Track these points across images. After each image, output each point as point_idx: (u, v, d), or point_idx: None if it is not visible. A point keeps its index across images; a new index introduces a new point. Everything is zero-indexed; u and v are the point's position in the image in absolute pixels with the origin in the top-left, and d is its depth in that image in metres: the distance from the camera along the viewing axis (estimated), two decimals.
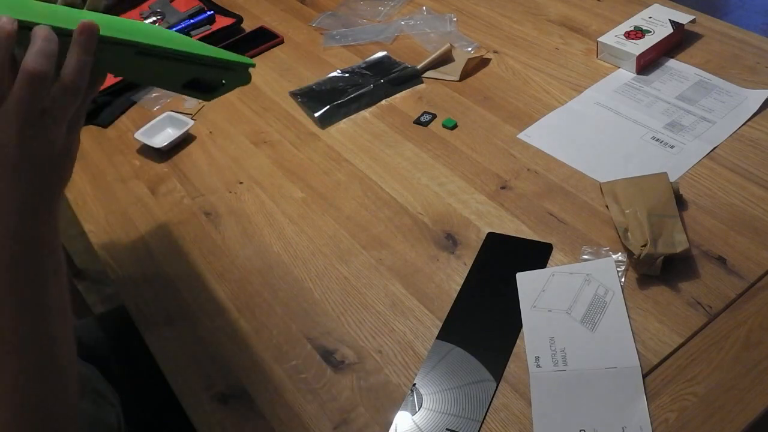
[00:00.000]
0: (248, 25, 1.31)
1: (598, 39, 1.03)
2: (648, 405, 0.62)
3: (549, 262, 0.77)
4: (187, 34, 1.28)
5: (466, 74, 1.07)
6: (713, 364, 0.64)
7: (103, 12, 0.65)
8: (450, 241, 0.81)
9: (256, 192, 0.94)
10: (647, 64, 1.01)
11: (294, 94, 1.11)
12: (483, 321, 0.72)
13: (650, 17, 1.05)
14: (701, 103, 0.93)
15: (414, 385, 0.68)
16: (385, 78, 1.08)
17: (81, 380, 0.77)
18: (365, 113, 1.04)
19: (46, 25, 0.52)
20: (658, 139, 0.89)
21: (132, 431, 0.81)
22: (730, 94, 0.94)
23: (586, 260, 0.75)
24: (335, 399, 0.69)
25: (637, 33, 1.02)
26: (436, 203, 0.87)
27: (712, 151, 0.86)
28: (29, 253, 0.52)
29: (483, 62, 1.09)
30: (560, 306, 0.71)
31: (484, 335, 0.71)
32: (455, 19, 1.21)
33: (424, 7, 1.25)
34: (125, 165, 1.04)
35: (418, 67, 1.09)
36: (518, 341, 0.70)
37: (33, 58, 0.49)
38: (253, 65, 0.69)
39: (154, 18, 1.34)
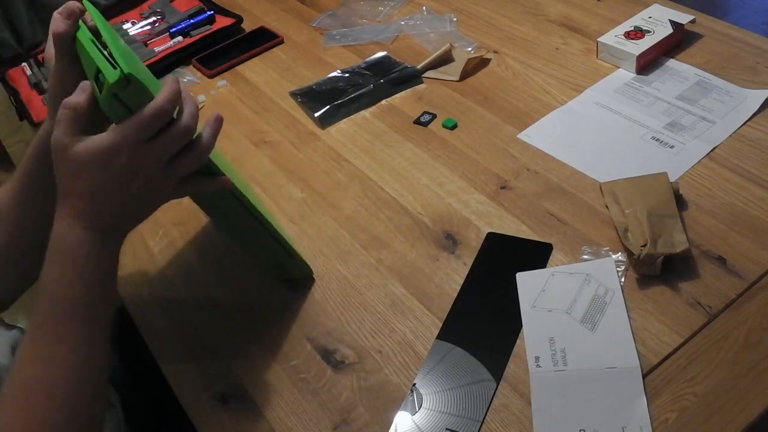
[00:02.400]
0: (248, 25, 1.31)
1: (598, 39, 1.03)
2: (648, 405, 0.62)
3: (549, 262, 0.77)
4: (187, 34, 1.28)
5: (466, 74, 1.07)
6: (713, 364, 0.64)
7: (101, 12, 0.68)
8: (450, 241, 0.81)
9: (257, 192, 0.94)
10: (647, 64, 1.01)
11: (294, 94, 1.11)
12: (483, 321, 0.72)
13: (650, 17, 1.05)
14: (701, 103, 0.93)
15: (414, 385, 0.68)
16: (385, 78, 1.08)
17: None
18: (365, 113, 1.04)
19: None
20: (658, 139, 0.89)
21: (132, 431, 0.81)
22: (730, 94, 0.94)
23: (586, 260, 0.75)
24: (335, 399, 0.69)
25: (637, 33, 1.02)
26: (436, 203, 0.87)
27: (712, 151, 0.86)
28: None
29: (483, 62, 1.09)
30: (560, 306, 0.71)
31: (484, 335, 0.71)
32: (455, 19, 1.21)
33: (424, 7, 1.25)
34: None
35: (418, 67, 1.09)
36: (518, 341, 0.70)
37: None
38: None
39: (154, 18, 1.34)
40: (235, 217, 0.73)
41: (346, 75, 1.12)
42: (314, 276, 0.81)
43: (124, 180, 0.58)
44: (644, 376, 0.64)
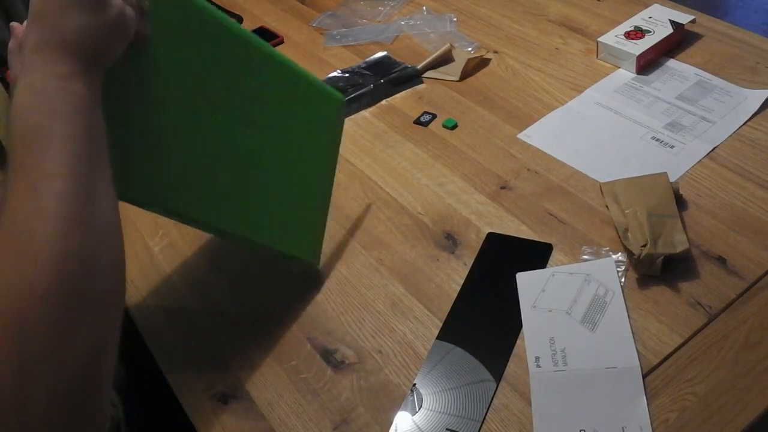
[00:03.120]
0: (248, 25, 1.31)
1: (598, 39, 1.03)
2: (648, 405, 0.62)
3: (549, 262, 0.77)
4: None
5: (466, 74, 1.07)
6: (713, 364, 0.64)
7: None
8: (450, 241, 0.81)
9: None
10: (647, 64, 1.01)
11: None
12: (483, 321, 0.72)
13: (650, 17, 1.05)
14: (701, 103, 0.93)
15: (414, 385, 0.68)
16: (385, 78, 1.08)
17: None
18: (365, 113, 1.04)
19: None
20: (658, 139, 0.89)
21: (132, 431, 0.81)
22: (730, 94, 0.94)
23: (586, 260, 0.75)
24: (335, 399, 0.69)
25: (637, 33, 1.02)
26: (436, 203, 0.87)
27: (712, 151, 0.86)
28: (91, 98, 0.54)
29: (483, 62, 1.09)
30: (560, 306, 0.71)
31: (484, 335, 0.71)
32: (455, 19, 1.21)
33: (424, 7, 1.25)
34: None
35: (418, 67, 1.09)
36: (518, 341, 0.70)
37: None
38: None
39: None
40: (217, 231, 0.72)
41: (346, 75, 1.12)
42: (317, 270, 0.81)
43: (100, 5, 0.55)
44: (644, 376, 0.64)
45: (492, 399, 0.65)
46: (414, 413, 0.66)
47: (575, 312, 0.70)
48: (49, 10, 0.54)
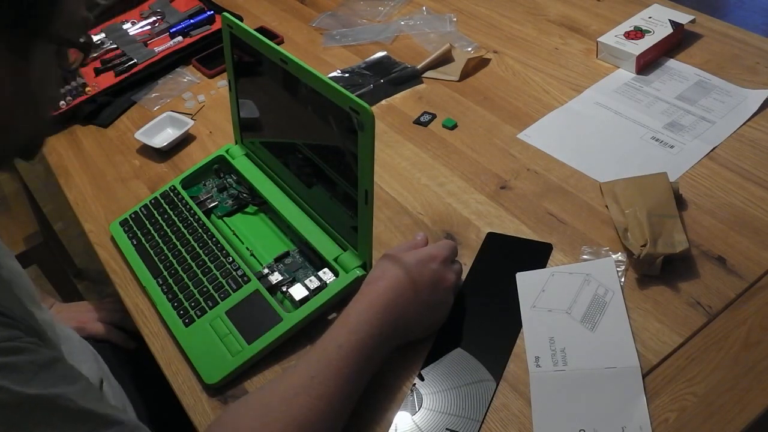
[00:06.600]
0: (248, 25, 1.31)
1: (598, 39, 1.03)
2: (648, 405, 0.62)
3: (549, 262, 0.77)
4: (187, 34, 1.28)
5: (466, 74, 1.07)
6: (713, 364, 0.64)
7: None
8: None
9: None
10: (647, 64, 1.01)
11: None
12: (483, 321, 0.72)
13: (650, 17, 1.05)
14: (701, 103, 0.93)
15: (414, 385, 0.68)
16: (385, 78, 1.08)
17: None
18: None
19: None
20: (657, 139, 0.89)
21: None
22: (729, 94, 0.94)
23: (586, 260, 0.75)
24: None
25: (637, 33, 1.02)
26: (436, 203, 0.87)
27: (711, 151, 0.86)
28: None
29: (483, 62, 1.09)
30: (560, 306, 0.71)
31: (484, 335, 0.71)
32: (455, 19, 1.21)
33: (424, 7, 1.25)
34: (125, 165, 1.04)
35: (418, 67, 1.09)
36: (518, 341, 0.70)
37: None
38: None
39: (154, 18, 1.34)
40: None
41: (346, 75, 1.12)
42: None
43: (430, 283, 0.69)
44: (644, 376, 0.64)
45: (492, 399, 0.65)
46: (414, 413, 0.66)
47: (575, 312, 0.70)
48: (400, 307, 0.67)
